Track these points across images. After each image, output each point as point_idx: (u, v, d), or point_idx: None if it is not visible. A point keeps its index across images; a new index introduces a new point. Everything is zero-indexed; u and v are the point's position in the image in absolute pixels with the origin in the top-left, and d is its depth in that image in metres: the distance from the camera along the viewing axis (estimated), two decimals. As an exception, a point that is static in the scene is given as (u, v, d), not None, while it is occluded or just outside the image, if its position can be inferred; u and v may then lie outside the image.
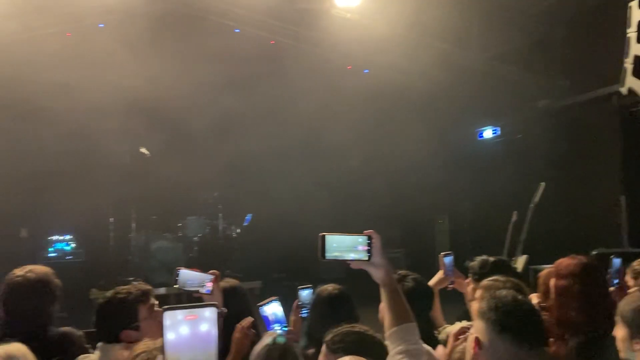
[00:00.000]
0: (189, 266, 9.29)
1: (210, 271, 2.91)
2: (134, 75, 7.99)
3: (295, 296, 3.32)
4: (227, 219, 10.50)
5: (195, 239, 9.94)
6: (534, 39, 9.64)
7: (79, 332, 3.07)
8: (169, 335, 1.28)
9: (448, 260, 3.59)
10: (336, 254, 2.05)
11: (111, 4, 8.32)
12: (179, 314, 1.29)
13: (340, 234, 2.07)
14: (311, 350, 2.93)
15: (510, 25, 9.18)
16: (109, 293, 2.71)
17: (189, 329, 1.29)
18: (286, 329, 3.11)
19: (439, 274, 3.60)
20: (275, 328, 3.07)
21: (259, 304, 3.15)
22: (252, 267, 9.89)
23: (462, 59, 9.45)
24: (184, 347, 1.28)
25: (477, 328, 1.99)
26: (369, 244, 2.06)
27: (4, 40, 8.10)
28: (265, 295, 3.76)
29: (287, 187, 10.16)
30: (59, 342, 2.82)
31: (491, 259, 3.30)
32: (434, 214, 11.76)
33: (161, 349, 1.28)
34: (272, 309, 3.14)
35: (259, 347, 2.35)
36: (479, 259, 3.32)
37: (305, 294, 3.34)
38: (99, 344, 2.62)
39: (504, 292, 1.99)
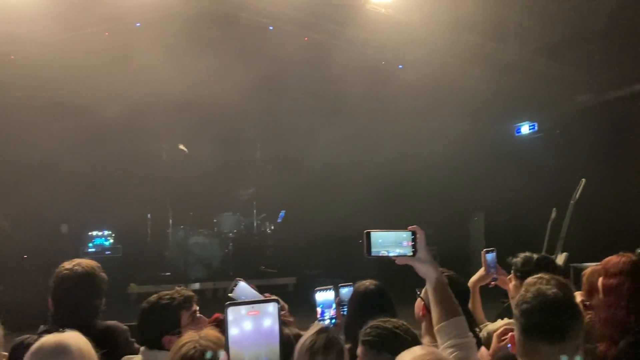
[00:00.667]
0: (225, 262, 9.43)
1: (266, 294, 2.95)
2: (171, 73, 8.09)
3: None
4: (262, 216, 10.58)
5: (231, 234, 10.04)
6: (574, 32, 9.40)
7: (124, 326, 3.12)
8: (232, 331, 1.29)
9: (490, 256, 3.54)
10: (381, 250, 2.07)
11: (148, 4, 8.45)
12: (242, 309, 1.30)
13: (384, 230, 2.09)
14: (348, 345, 2.94)
15: (548, 17, 8.97)
16: (153, 298, 2.73)
17: (252, 325, 1.30)
18: (335, 317, 3.17)
19: (481, 271, 3.55)
20: (325, 315, 3.13)
21: (316, 289, 3.23)
22: (287, 264, 9.95)
23: (499, 53, 9.29)
24: (247, 342, 1.30)
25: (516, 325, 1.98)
26: (414, 239, 2.07)
27: (46, 40, 8.32)
28: (299, 291, 3.78)
29: (321, 184, 10.16)
30: (104, 335, 2.87)
31: (535, 256, 3.24)
32: (469, 211, 11.61)
33: (224, 345, 1.29)
34: (326, 295, 3.22)
35: (305, 337, 2.35)
36: (522, 255, 3.27)
37: (346, 291, 3.34)
38: (142, 348, 2.66)
39: (532, 289, 1.98)
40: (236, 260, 9.88)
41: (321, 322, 3.20)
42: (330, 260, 10.42)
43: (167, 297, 2.70)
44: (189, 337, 2.00)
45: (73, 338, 2.06)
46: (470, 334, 2.10)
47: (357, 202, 10.90)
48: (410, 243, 2.07)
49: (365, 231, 2.08)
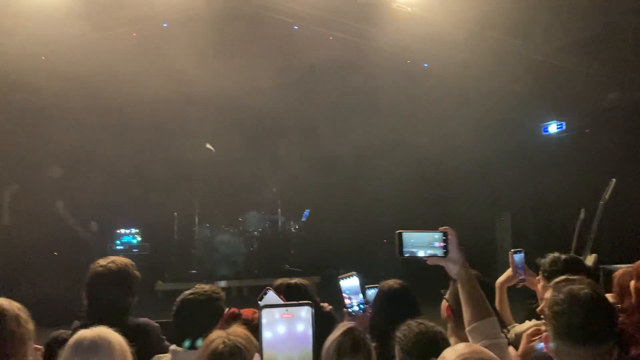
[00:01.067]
0: (250, 260, 9.47)
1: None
2: (197, 73, 8.18)
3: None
4: (286, 215, 10.62)
5: (256, 233, 10.10)
6: (603, 28, 9.23)
7: (155, 324, 3.19)
8: (266, 334, 1.30)
9: (518, 257, 3.52)
10: (412, 250, 2.08)
11: (174, 5, 8.55)
12: (276, 312, 1.31)
13: (416, 230, 2.10)
14: (374, 344, 2.95)
15: (577, 14, 8.81)
16: (196, 292, 2.85)
17: (286, 328, 1.30)
18: (363, 302, 3.20)
19: (508, 272, 3.52)
20: (353, 301, 3.16)
21: (339, 276, 3.28)
22: (311, 263, 9.97)
23: (526, 51, 9.17)
24: (280, 345, 1.30)
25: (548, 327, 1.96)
26: (445, 240, 2.10)
27: (76, 41, 8.48)
28: (323, 290, 3.79)
29: (346, 183, 10.17)
30: (136, 332, 2.91)
31: (563, 256, 3.20)
32: (496, 210, 11.48)
33: (258, 347, 1.29)
34: (351, 282, 3.23)
35: (331, 338, 2.36)
36: (550, 256, 3.23)
37: (371, 293, 3.35)
38: (172, 347, 2.71)
39: (564, 290, 1.95)
40: (261, 259, 9.94)
41: (350, 309, 3.25)
42: (355, 259, 10.41)
43: (211, 291, 2.82)
44: (217, 334, 2.02)
45: (112, 333, 2.10)
46: (502, 335, 2.10)
47: (382, 201, 10.89)
48: (442, 244, 2.09)
49: (397, 232, 2.10)
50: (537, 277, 3.32)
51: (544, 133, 10.89)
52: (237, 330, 2.04)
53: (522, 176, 10.41)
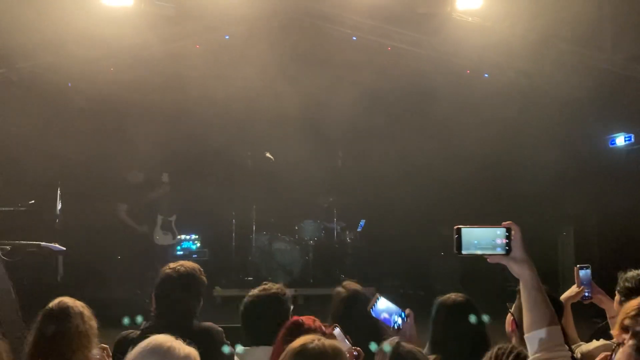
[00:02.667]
0: (306, 269, 9.52)
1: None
2: (258, 83, 8.35)
3: (410, 303, 3.28)
4: (341, 224, 10.62)
5: (311, 242, 10.14)
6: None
7: (219, 328, 3.26)
8: None
9: (584, 273, 3.38)
10: (472, 248, 1.92)
11: (235, 17, 8.76)
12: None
13: (476, 226, 1.95)
14: (434, 356, 2.92)
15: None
16: (267, 290, 2.96)
17: None
18: (404, 314, 3.08)
19: (573, 287, 3.40)
20: (396, 319, 3.07)
21: (369, 307, 3.13)
22: (366, 273, 9.92)
23: (592, 61, 8.85)
24: None
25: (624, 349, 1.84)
26: (508, 237, 1.92)
27: (142, 53, 8.82)
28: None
29: (403, 193, 10.08)
30: (200, 335, 2.99)
31: None
32: (559, 225, 11.10)
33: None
34: (383, 304, 3.12)
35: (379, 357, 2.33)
36: (631, 273, 3.09)
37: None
38: (240, 348, 2.77)
39: None
40: (316, 268, 9.97)
41: (395, 325, 3.11)
42: (409, 270, 10.30)
43: (279, 289, 2.96)
44: (304, 339, 1.98)
45: (186, 347, 2.13)
46: (566, 347, 1.92)
47: (439, 213, 10.72)
48: (505, 240, 1.91)
49: (455, 227, 1.94)
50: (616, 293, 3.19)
51: (611, 145, 10.46)
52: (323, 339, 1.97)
53: (587, 190, 10.04)
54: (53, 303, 2.85)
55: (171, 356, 2.04)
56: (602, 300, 3.34)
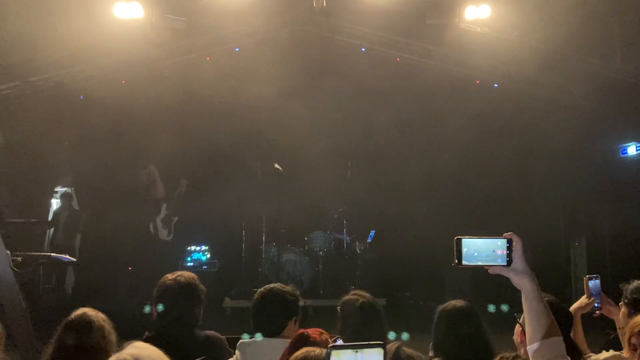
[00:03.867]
0: (315, 280, 9.44)
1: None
2: (267, 94, 8.40)
3: (419, 314, 3.33)
4: (351, 235, 10.60)
5: (321, 253, 10.12)
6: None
7: (222, 336, 3.27)
8: None
9: (593, 283, 3.34)
10: (472, 259, 1.91)
11: (245, 30, 8.85)
12: (345, 355, 1.24)
13: (477, 237, 1.92)
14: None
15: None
16: (273, 288, 3.06)
17: None
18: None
19: (583, 298, 3.36)
20: None
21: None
22: (376, 284, 9.87)
23: (603, 70, 8.82)
24: None
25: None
26: (509, 248, 1.91)
27: (154, 66, 8.92)
28: (389, 312, 3.74)
29: (412, 204, 10.06)
30: (203, 343, 3.01)
31: None
32: (570, 235, 11.01)
33: None
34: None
35: None
36: (635, 282, 3.07)
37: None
38: (241, 341, 2.79)
39: None
40: (326, 279, 9.94)
41: None
42: (420, 281, 10.24)
43: (290, 290, 3.11)
44: (305, 351, 2.01)
45: (149, 353, 1.98)
46: (569, 358, 1.90)
47: (449, 223, 10.66)
48: (506, 252, 1.90)
49: (455, 238, 1.92)
50: (620, 304, 3.16)
51: (622, 155, 10.38)
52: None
53: (599, 200, 9.96)
54: (75, 314, 2.77)
55: None
56: (611, 311, 3.30)
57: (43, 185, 8.49)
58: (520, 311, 2.95)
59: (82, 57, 8.12)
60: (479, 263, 1.92)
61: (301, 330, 2.67)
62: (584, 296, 3.35)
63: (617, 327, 3.24)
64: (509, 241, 1.92)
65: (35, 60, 7.88)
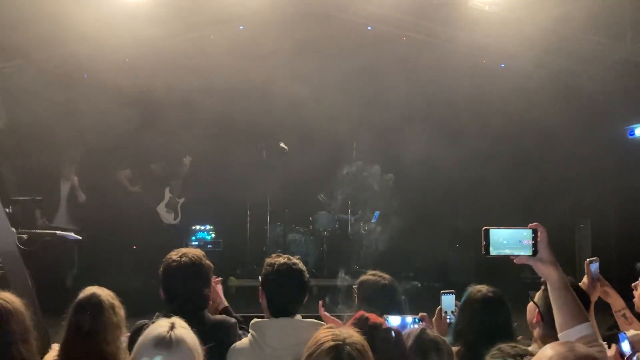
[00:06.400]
0: (320, 260, 9.45)
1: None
2: (272, 73, 8.33)
3: (422, 295, 3.28)
4: (356, 216, 10.60)
5: (325, 233, 10.14)
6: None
7: (233, 320, 3.21)
8: None
9: (594, 267, 3.33)
10: (500, 249, 1.98)
11: (250, 8, 8.74)
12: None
13: (503, 227, 2.00)
14: (457, 348, 2.88)
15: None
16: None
17: None
18: (418, 320, 2.96)
19: (584, 281, 3.34)
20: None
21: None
22: (380, 265, 9.87)
23: (611, 51, 8.71)
24: None
25: None
26: (534, 238, 1.97)
27: (157, 44, 8.83)
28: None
29: (417, 185, 10.03)
30: (214, 329, 2.98)
31: None
32: (576, 218, 10.98)
33: None
34: (395, 321, 2.88)
35: (406, 337, 2.30)
36: None
37: (448, 298, 3.26)
38: (254, 321, 2.79)
39: None
40: (330, 259, 9.97)
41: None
42: (425, 262, 10.26)
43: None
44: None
45: (187, 332, 2.11)
46: (601, 342, 1.96)
47: (453, 204, 10.66)
48: (531, 242, 1.97)
49: (483, 228, 1.99)
50: (634, 284, 3.15)
51: (630, 136, 10.29)
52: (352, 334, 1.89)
53: (605, 182, 9.91)
54: (84, 295, 2.81)
55: (169, 347, 2.01)
56: (608, 293, 3.29)
57: (48, 164, 8.46)
58: (530, 290, 2.94)
59: (85, 36, 8.04)
60: (506, 252, 1.99)
61: (361, 312, 2.58)
62: (585, 279, 3.34)
63: (614, 310, 3.25)
64: (534, 231, 1.99)
65: (38, 39, 7.82)
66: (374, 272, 3.54)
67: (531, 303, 2.83)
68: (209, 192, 9.53)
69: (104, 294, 2.83)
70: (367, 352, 1.85)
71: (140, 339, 2.10)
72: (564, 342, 1.75)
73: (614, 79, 9.09)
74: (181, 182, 9.36)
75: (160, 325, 2.10)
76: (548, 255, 1.96)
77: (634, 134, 10.25)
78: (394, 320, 2.83)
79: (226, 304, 3.57)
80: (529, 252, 1.97)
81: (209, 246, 10.20)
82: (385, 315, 2.83)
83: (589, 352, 1.57)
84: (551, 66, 9.18)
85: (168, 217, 9.22)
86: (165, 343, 2.02)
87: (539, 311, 2.70)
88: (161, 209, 9.15)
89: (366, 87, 9.53)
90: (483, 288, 3.11)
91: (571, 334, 1.90)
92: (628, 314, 3.22)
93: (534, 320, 2.77)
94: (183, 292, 3.06)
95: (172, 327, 2.08)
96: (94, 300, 2.76)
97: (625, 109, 9.81)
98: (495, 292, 3.09)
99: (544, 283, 2.42)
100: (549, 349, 1.60)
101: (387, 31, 9.34)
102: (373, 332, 2.09)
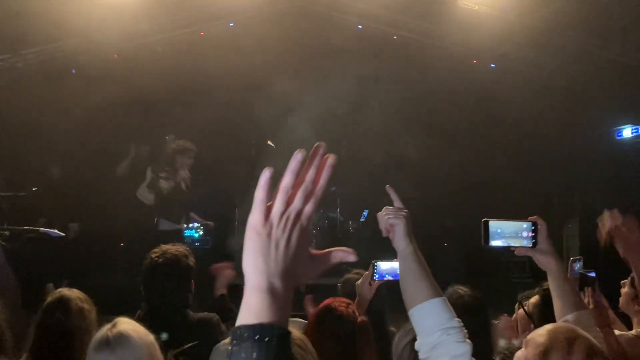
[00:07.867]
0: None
1: None
2: (261, 70, 8.29)
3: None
4: (344, 214, 10.59)
5: (314, 231, 10.12)
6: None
7: (216, 316, 3.16)
8: None
9: (577, 266, 3.34)
10: (500, 240, 2.04)
11: (239, 5, 8.70)
12: None
13: (503, 220, 2.06)
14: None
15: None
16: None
17: None
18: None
19: None
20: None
21: (370, 279, 3.27)
22: (368, 263, 9.87)
23: (600, 51, 8.75)
24: None
25: None
26: (534, 230, 2.04)
27: (147, 40, 8.76)
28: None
29: (406, 183, 10.03)
30: (197, 327, 2.93)
31: None
32: (563, 217, 11.04)
33: None
34: (385, 267, 3.30)
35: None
36: None
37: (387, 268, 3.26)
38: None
39: None
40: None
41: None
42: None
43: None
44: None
45: (132, 327, 2.08)
46: (598, 330, 2.02)
47: (442, 204, 10.67)
48: (531, 234, 2.04)
49: (483, 220, 2.06)
50: (623, 282, 3.16)
51: (618, 137, 10.36)
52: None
53: (593, 182, 9.97)
54: (53, 298, 2.73)
55: (114, 346, 2.00)
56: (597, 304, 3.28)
57: (34, 159, 8.38)
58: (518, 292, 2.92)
59: (73, 31, 7.97)
60: (506, 244, 2.07)
61: (328, 300, 2.58)
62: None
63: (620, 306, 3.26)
64: (534, 224, 2.06)
65: (26, 33, 7.73)
66: (357, 270, 3.55)
67: (522, 312, 2.80)
68: (197, 189, 9.46)
69: (75, 297, 2.74)
70: (307, 346, 1.89)
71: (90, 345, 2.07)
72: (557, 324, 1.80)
73: (603, 80, 9.13)
74: (167, 158, 8.70)
75: (104, 328, 2.07)
76: (548, 247, 2.04)
77: (621, 135, 10.33)
78: (383, 266, 2.93)
79: (224, 291, 3.53)
80: (529, 244, 2.04)
81: (196, 244, 10.12)
82: (374, 261, 2.94)
83: (581, 333, 1.61)
84: (540, 66, 9.21)
85: (149, 198, 8.68)
86: (105, 343, 2.00)
87: (529, 317, 2.69)
88: (142, 189, 8.57)
89: (355, 85, 9.50)
90: (459, 289, 3.04)
91: (569, 321, 1.96)
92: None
93: (521, 330, 2.74)
94: (160, 291, 3.00)
95: (114, 325, 2.05)
96: (61, 301, 2.69)
97: (614, 111, 9.89)
98: (473, 296, 3.00)
99: (542, 295, 2.44)
100: (542, 329, 1.65)
101: (378, 29, 9.33)
102: (338, 322, 2.12)
